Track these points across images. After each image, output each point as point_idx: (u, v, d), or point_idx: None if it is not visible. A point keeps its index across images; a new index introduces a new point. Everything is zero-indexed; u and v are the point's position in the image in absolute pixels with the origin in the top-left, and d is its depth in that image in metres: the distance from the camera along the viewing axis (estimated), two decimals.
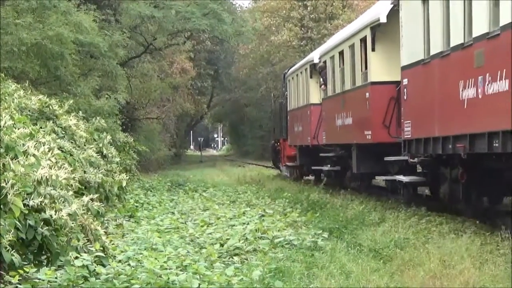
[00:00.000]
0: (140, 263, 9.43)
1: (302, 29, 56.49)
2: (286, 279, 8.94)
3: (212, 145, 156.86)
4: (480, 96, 12.31)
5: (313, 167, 28.40)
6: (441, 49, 14.34)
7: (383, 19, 18.31)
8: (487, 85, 12.01)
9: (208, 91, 72.05)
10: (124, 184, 15.89)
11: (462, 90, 13.06)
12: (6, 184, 8.26)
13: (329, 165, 25.51)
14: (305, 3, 56.19)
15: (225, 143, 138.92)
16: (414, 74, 16.12)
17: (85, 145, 15.39)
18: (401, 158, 17.13)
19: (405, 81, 16.63)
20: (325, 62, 24.75)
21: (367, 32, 19.26)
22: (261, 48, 59.23)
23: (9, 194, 8.16)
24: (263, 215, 15.28)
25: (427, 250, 10.55)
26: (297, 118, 30.69)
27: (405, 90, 16.61)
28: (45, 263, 8.67)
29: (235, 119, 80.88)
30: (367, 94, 19.26)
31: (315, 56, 27.52)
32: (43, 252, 8.66)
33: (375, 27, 18.81)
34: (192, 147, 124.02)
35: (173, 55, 46.25)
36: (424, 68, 15.41)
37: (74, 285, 7.91)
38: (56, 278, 8.00)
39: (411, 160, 16.58)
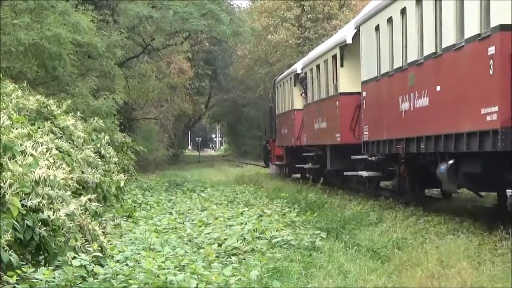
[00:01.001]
0: (138, 263, 9.43)
1: (300, 29, 56.45)
2: (284, 279, 8.94)
3: (210, 145, 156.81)
4: (412, 109, 15.86)
5: (297, 165, 31.61)
6: (388, 70, 17.70)
7: (349, 40, 21.64)
8: (416, 100, 15.55)
9: (206, 91, 72.08)
10: (122, 184, 15.85)
11: (401, 103, 16.56)
12: (4, 184, 8.25)
13: (310, 163, 28.71)
14: (302, 3, 56.14)
15: (223, 143, 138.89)
16: (370, 88, 19.50)
17: (83, 145, 15.35)
18: (363, 156, 20.13)
19: (364, 94, 20.06)
20: (305, 73, 28.25)
21: (337, 51, 22.58)
22: (259, 48, 59.19)
23: (7, 194, 8.15)
24: (261, 215, 15.26)
25: (425, 250, 10.56)
26: (283, 121, 34.26)
27: (364, 101, 20.05)
28: (43, 263, 8.65)
29: (233, 119, 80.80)
30: (337, 102, 22.59)
31: (298, 67, 31.06)
32: (41, 252, 8.63)
33: (343, 47, 22.09)
34: (190, 147, 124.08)
35: (171, 56, 46.23)
36: (376, 84, 18.86)
37: (72, 285, 7.90)
38: (54, 278, 7.99)
39: (370, 158, 19.73)
